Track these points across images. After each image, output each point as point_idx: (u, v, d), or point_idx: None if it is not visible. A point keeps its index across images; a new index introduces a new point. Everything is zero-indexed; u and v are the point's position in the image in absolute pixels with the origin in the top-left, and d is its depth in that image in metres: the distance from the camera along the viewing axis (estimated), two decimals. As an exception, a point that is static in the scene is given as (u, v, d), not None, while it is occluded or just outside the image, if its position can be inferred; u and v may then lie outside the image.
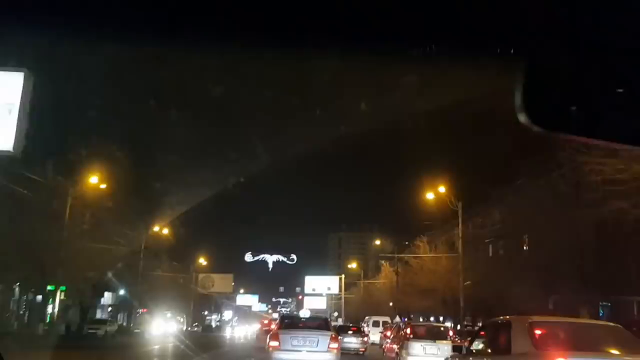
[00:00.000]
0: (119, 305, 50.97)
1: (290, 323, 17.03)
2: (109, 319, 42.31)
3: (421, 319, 44.21)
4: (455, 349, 10.38)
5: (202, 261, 70.54)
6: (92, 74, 24.33)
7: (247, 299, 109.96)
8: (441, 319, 40.39)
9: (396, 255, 44.37)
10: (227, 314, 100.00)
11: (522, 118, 2.39)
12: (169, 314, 43.92)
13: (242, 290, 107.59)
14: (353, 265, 73.17)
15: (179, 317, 50.64)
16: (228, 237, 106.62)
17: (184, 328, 51.67)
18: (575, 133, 2.52)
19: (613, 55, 2.41)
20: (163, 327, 44.11)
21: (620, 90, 2.37)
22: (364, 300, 61.04)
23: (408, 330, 19.04)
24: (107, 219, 33.21)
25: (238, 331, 64.68)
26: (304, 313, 20.27)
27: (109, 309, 51.61)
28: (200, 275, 69.92)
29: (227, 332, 65.51)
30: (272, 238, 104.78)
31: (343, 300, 65.94)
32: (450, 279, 34.21)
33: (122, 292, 45.30)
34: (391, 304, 51.47)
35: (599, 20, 2.63)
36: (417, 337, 17.99)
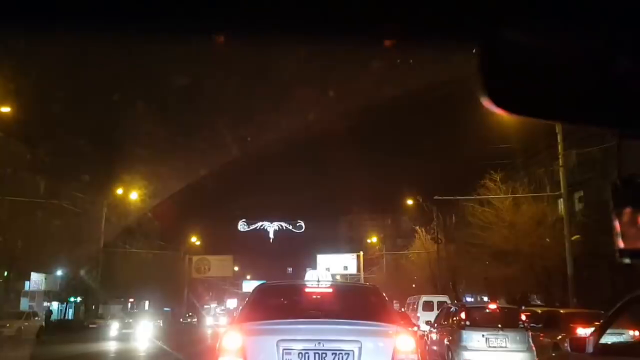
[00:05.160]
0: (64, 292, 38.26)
1: (281, 305, 6.69)
2: (31, 310, 31.57)
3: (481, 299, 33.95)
4: None
5: (195, 240, 60.88)
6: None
7: (255, 286, 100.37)
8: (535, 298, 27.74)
9: (457, 197, 29.87)
10: (231, 303, 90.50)
11: (485, 100, 2.11)
12: None
13: (248, 277, 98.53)
14: (373, 239, 62.65)
15: None
16: (226, 218, 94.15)
17: None
18: (539, 115, 2.33)
19: (579, 33, 2.15)
20: None
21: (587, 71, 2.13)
22: (385, 281, 51.03)
23: (462, 315, 14.45)
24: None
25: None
26: (316, 276, 10.53)
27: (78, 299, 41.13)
28: (195, 258, 60.00)
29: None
30: (274, 210, 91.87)
31: (362, 280, 55.57)
32: (540, 235, 23.40)
33: (60, 273, 34.25)
34: (414, 285, 41.38)
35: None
36: (476, 324, 13.82)
